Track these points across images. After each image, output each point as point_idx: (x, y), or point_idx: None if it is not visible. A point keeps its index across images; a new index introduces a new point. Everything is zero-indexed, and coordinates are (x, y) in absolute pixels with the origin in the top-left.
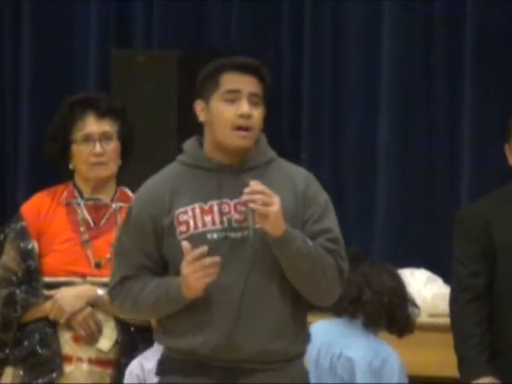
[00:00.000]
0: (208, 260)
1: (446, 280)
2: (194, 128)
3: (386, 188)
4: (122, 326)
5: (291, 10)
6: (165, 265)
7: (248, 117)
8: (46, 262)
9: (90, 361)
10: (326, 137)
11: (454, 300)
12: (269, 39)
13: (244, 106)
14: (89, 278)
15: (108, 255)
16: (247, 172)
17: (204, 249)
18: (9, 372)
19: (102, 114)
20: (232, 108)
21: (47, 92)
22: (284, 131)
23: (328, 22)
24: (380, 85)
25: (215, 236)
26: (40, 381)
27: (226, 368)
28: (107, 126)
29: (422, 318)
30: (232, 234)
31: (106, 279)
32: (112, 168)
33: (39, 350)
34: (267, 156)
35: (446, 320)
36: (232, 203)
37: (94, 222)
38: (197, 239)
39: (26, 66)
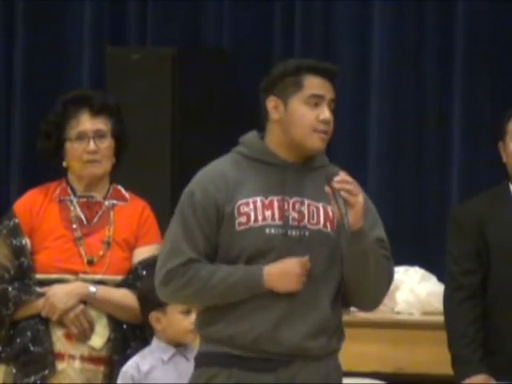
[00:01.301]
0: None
1: (440, 278)
2: (188, 125)
3: (377, 186)
4: (115, 323)
5: (283, 9)
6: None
7: (329, 122)
8: (38, 259)
9: (83, 358)
10: None
11: (447, 298)
12: (261, 36)
13: (326, 113)
14: (81, 276)
15: (101, 252)
16: (308, 172)
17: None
18: (1, 369)
19: (95, 112)
20: (314, 112)
21: (41, 90)
22: None
23: (319, 21)
24: (370, 84)
25: (273, 231)
26: (32, 378)
27: (263, 359)
28: (101, 124)
29: (416, 316)
30: (289, 232)
31: (98, 276)
32: (106, 166)
33: (31, 348)
34: (325, 160)
35: (440, 318)
36: (291, 201)
37: (86, 220)
38: (255, 232)
39: (20, 64)
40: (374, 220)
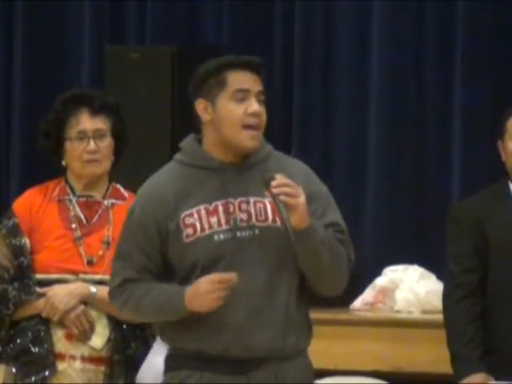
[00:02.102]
0: (225, 281)
1: (440, 276)
2: (188, 124)
3: (377, 185)
4: (115, 323)
5: (283, 7)
6: (168, 268)
7: (258, 115)
8: (38, 258)
9: (83, 358)
10: (316, 135)
11: (447, 296)
12: (261, 34)
13: (254, 105)
14: (81, 276)
15: (100, 252)
16: (249, 170)
17: (234, 276)
18: (0, 369)
19: (95, 111)
20: (241, 107)
21: (41, 88)
22: (275, 129)
23: (319, 22)
24: (370, 83)
25: (222, 237)
26: (33, 378)
27: (235, 362)
28: (101, 123)
29: (415, 315)
30: (238, 234)
31: (98, 276)
32: (105, 165)
33: (32, 348)
34: (265, 151)
35: (439, 316)
36: (236, 202)
37: (86, 219)
38: (204, 241)
39: (19, 63)
40: (326, 205)
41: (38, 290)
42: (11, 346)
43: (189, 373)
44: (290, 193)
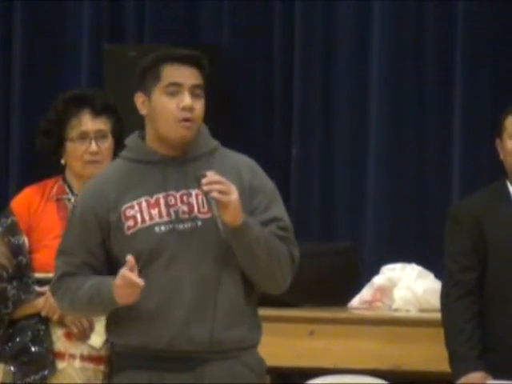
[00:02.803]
0: (133, 280)
1: (438, 275)
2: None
3: (377, 184)
4: None
5: (282, 6)
6: (111, 262)
7: (190, 109)
8: (36, 257)
9: (82, 357)
10: (316, 133)
11: (445, 295)
12: (261, 34)
13: (186, 99)
14: None
15: None
16: (191, 163)
17: (140, 284)
18: (0, 369)
19: (97, 112)
20: (174, 101)
21: (39, 87)
22: (275, 128)
23: (319, 20)
24: (370, 82)
25: (163, 228)
26: (32, 378)
27: (181, 359)
28: (102, 124)
29: (413, 313)
30: (180, 226)
31: None
32: (105, 166)
33: (31, 347)
34: (209, 146)
35: (437, 315)
36: (178, 195)
37: None
38: (145, 233)
39: (18, 61)
40: (270, 200)
41: (38, 288)
42: (10, 345)
43: (135, 374)
44: (222, 190)
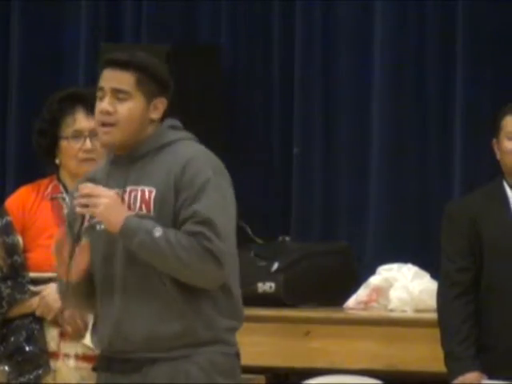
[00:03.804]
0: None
1: (434, 275)
2: (184, 122)
3: (378, 184)
4: None
5: (281, 6)
6: None
7: (106, 113)
8: (31, 257)
9: (77, 357)
10: (318, 133)
11: (441, 295)
12: (259, 34)
13: (102, 104)
14: None
15: None
16: (135, 161)
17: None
18: None
19: (91, 110)
20: (99, 105)
21: (37, 87)
22: (275, 127)
23: (319, 21)
24: (372, 83)
25: (103, 226)
26: (27, 377)
27: (125, 360)
28: None
29: (409, 313)
30: (99, 226)
31: None
32: (100, 164)
33: (26, 347)
34: (158, 142)
35: (433, 315)
36: (120, 192)
37: None
38: (89, 231)
39: (16, 62)
40: (195, 195)
41: (32, 288)
42: (4, 344)
43: (102, 374)
44: (88, 203)
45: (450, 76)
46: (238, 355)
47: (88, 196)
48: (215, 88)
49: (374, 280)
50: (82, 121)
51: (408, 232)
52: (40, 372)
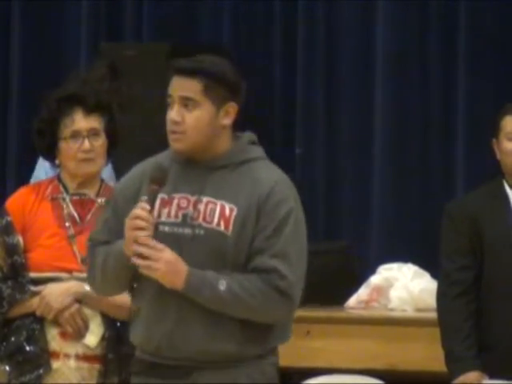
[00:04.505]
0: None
1: (434, 275)
2: None
3: (379, 185)
4: (109, 321)
5: (283, 6)
6: None
7: (175, 123)
8: (31, 257)
9: (78, 357)
10: (320, 134)
11: (441, 294)
12: (261, 34)
13: (171, 112)
14: (75, 274)
15: None
16: (214, 170)
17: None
18: None
19: (89, 110)
20: (169, 113)
21: (38, 87)
22: (278, 127)
23: (321, 21)
24: (374, 80)
25: (166, 229)
26: (27, 377)
27: (174, 366)
28: (95, 122)
29: (409, 313)
30: (180, 230)
31: None
32: (99, 164)
33: (26, 347)
34: (240, 157)
35: (433, 315)
36: (192, 199)
37: (79, 217)
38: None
39: (17, 62)
40: (276, 227)
41: (33, 288)
42: (5, 344)
43: (136, 379)
44: (146, 265)
45: (453, 76)
46: (278, 363)
47: (148, 247)
48: None
49: (375, 279)
50: (80, 121)
51: (409, 232)
52: (40, 372)
